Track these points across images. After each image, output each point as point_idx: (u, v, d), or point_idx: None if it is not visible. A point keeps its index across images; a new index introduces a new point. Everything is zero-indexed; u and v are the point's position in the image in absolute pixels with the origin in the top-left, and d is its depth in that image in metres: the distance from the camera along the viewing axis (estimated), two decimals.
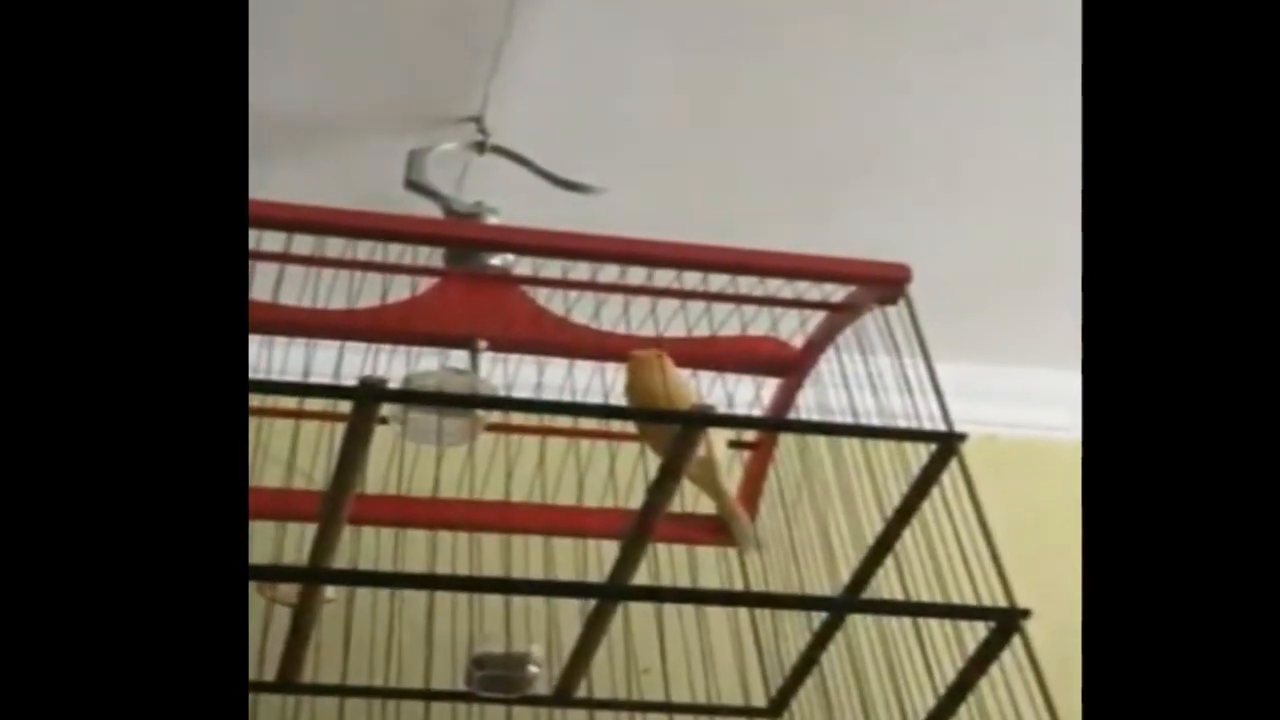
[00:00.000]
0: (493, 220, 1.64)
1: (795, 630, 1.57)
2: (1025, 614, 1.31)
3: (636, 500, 1.49)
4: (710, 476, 1.58)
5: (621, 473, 1.60)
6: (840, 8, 1.69)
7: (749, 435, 1.69)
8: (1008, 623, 1.32)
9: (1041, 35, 1.68)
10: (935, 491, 1.40)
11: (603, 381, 1.61)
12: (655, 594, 1.49)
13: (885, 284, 1.52)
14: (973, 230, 1.96)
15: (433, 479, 1.57)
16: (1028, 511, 1.73)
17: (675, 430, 1.41)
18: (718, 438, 1.59)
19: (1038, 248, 1.82)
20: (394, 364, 1.58)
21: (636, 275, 1.55)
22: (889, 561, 1.45)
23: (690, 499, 1.62)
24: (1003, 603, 1.32)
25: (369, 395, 1.35)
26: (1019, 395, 2.12)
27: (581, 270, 1.55)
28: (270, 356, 1.57)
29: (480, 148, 1.75)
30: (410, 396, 1.50)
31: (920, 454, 1.41)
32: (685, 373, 1.56)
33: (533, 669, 1.51)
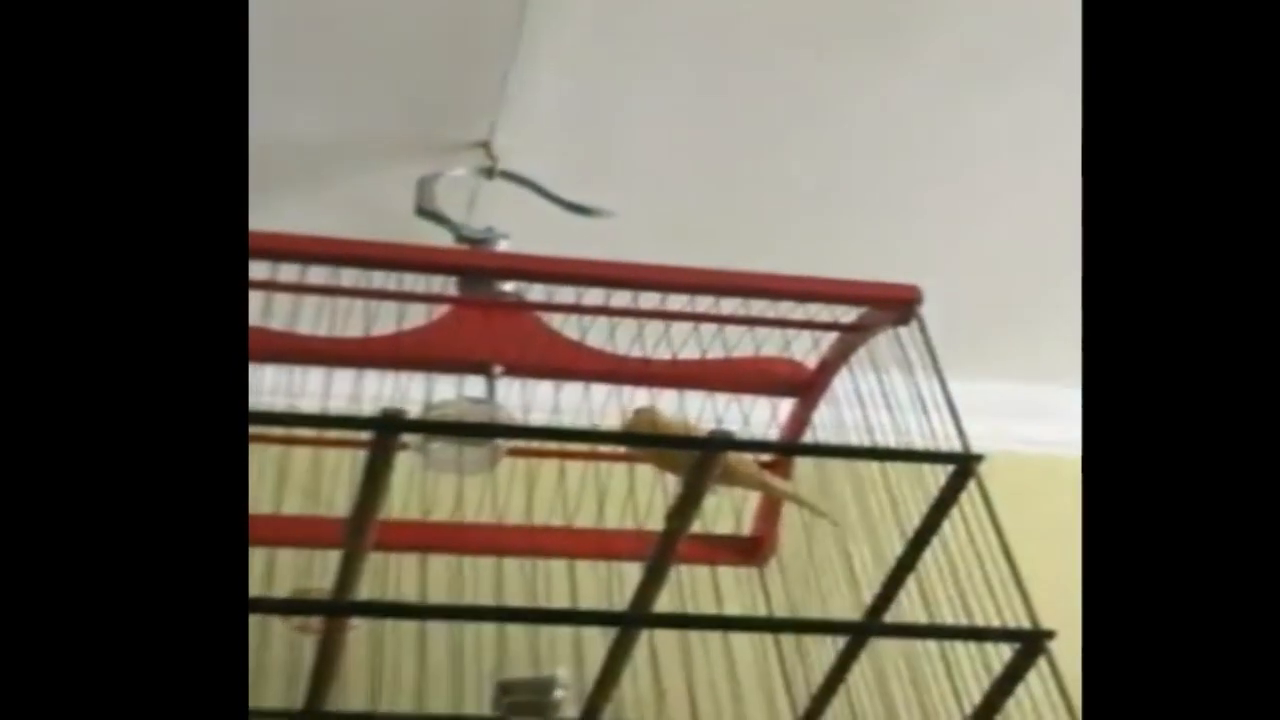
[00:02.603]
0: (503, 245, 1.65)
1: (820, 652, 1.58)
2: (1050, 635, 1.32)
3: (657, 519, 1.51)
4: (756, 479, 1.59)
5: (641, 494, 1.61)
6: (846, 32, 1.71)
7: (765, 455, 1.70)
8: (1032, 644, 1.32)
9: (1045, 53, 1.69)
10: (955, 512, 1.41)
11: (619, 402, 1.62)
12: (680, 621, 1.50)
13: (897, 305, 1.53)
14: (986, 247, 1.98)
15: (454, 503, 1.58)
16: (1049, 527, 1.74)
17: (694, 458, 1.43)
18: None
19: (1052, 263, 1.83)
20: (412, 387, 1.58)
21: (650, 299, 1.56)
22: (911, 583, 1.46)
23: (711, 520, 1.63)
24: (1026, 623, 1.33)
25: (390, 426, 1.36)
26: (1035, 412, 2.14)
27: (595, 295, 1.56)
28: (290, 379, 1.57)
29: (489, 173, 1.75)
30: (430, 426, 1.51)
31: (938, 473, 1.43)
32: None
33: (559, 693, 1.52)
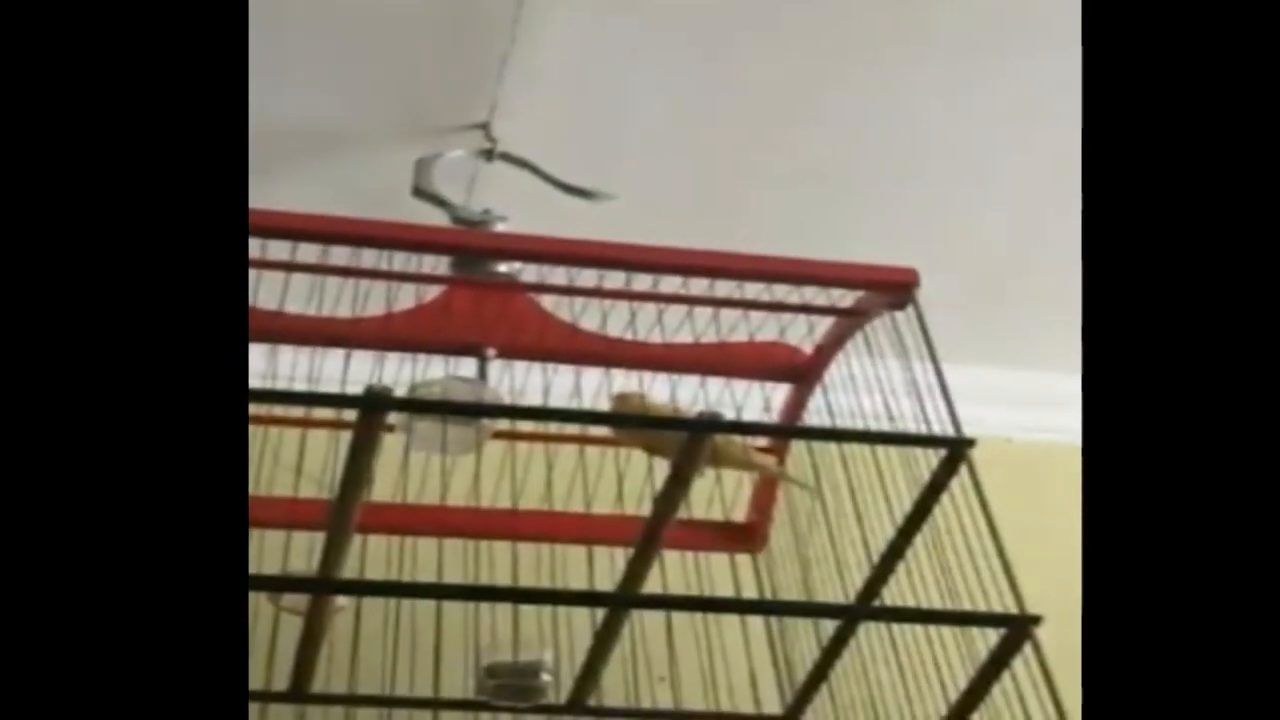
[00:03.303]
0: (500, 228, 1.63)
1: (807, 637, 1.56)
2: (1036, 620, 1.30)
3: (646, 506, 1.49)
4: (744, 459, 1.57)
5: (630, 479, 1.59)
6: (846, 15, 1.69)
7: (759, 442, 1.68)
8: (1018, 629, 1.30)
9: (1047, 40, 1.67)
10: (946, 497, 1.39)
11: (609, 388, 1.60)
12: (666, 602, 1.48)
13: (893, 288, 1.51)
14: (985, 233, 1.96)
15: (441, 487, 1.57)
16: (1042, 515, 1.72)
17: (682, 439, 1.41)
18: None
19: (1050, 250, 1.81)
20: (402, 372, 1.57)
21: (644, 281, 1.54)
22: (900, 568, 1.44)
23: (701, 506, 1.62)
24: (1014, 609, 1.31)
25: (374, 404, 1.35)
26: (1033, 399, 2.12)
27: (589, 277, 1.55)
28: (277, 365, 1.56)
29: (488, 155, 1.74)
30: (415, 405, 1.49)
31: (930, 459, 1.40)
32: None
33: (544, 677, 1.51)
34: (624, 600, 1.43)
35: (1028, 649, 1.30)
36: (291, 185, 1.77)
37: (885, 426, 1.46)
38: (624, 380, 1.60)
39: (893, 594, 1.45)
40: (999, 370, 2.06)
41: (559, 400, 1.61)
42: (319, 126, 1.78)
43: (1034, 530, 1.40)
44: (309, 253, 1.49)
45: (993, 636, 1.33)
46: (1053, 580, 1.38)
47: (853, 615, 1.45)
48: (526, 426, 1.67)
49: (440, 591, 1.46)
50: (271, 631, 1.48)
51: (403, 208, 1.63)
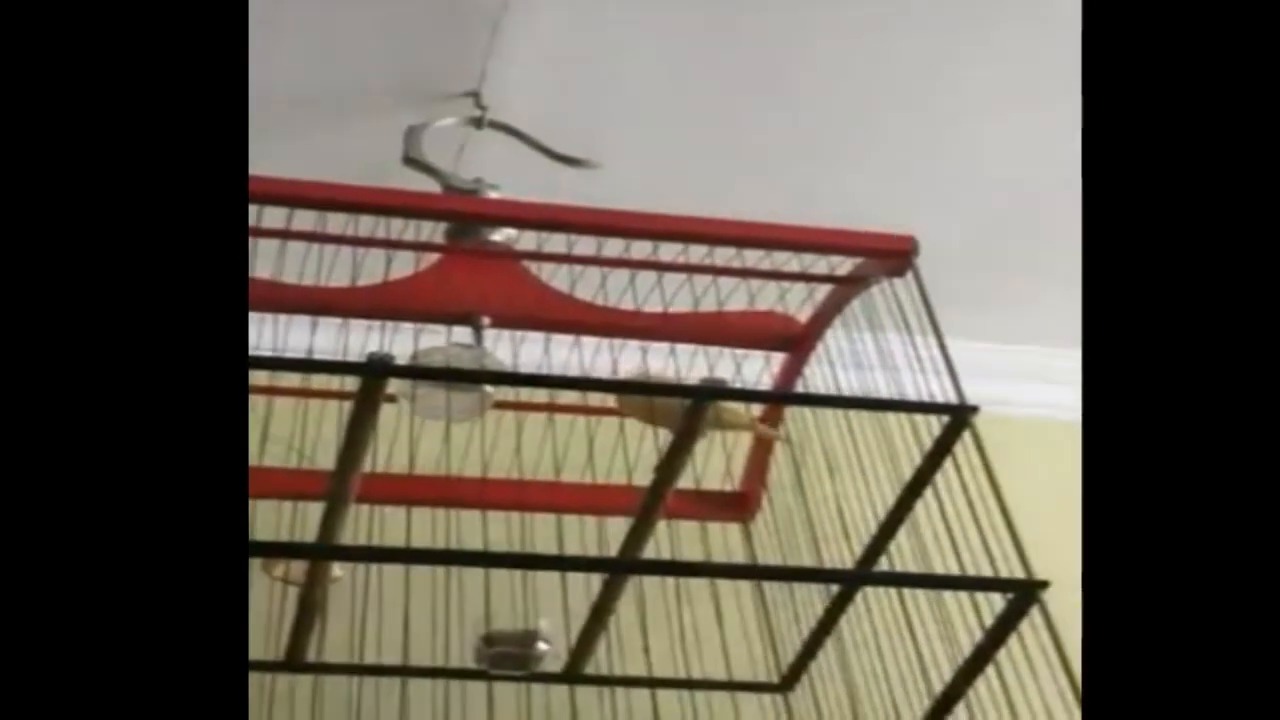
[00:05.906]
0: (492, 196, 1.62)
1: (806, 607, 1.56)
2: (1044, 585, 1.30)
3: (646, 476, 1.49)
4: (745, 422, 1.57)
5: (630, 449, 1.58)
6: None
7: (756, 409, 1.67)
8: (1026, 594, 1.30)
9: (1043, 7, 1.67)
10: (949, 466, 1.39)
11: (611, 359, 1.60)
12: (667, 568, 1.48)
13: (892, 255, 1.51)
14: (981, 209, 1.95)
15: (441, 457, 1.56)
16: (1037, 490, 1.72)
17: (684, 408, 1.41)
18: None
19: (1047, 227, 1.81)
20: (398, 346, 1.56)
21: (641, 250, 1.54)
22: (904, 537, 1.44)
23: (703, 476, 1.61)
24: (1020, 575, 1.31)
25: (376, 370, 1.34)
26: (1028, 374, 2.12)
27: (585, 245, 1.54)
28: (274, 340, 1.55)
29: (478, 123, 1.73)
30: (418, 371, 1.49)
31: (934, 430, 1.40)
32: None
33: (543, 645, 1.51)
34: (628, 566, 1.44)
35: (1035, 614, 1.30)
36: (278, 151, 1.73)
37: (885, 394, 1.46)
38: (620, 352, 1.59)
39: (897, 563, 1.45)
40: (991, 345, 2.06)
41: (556, 372, 1.60)
42: (307, 92, 1.77)
43: (1026, 504, 1.39)
44: (304, 221, 1.48)
45: (999, 603, 1.33)
46: (1047, 553, 1.38)
47: (857, 580, 1.45)
48: (527, 395, 1.67)
49: (441, 558, 1.46)
50: (269, 602, 1.47)
51: (392, 175, 1.62)
